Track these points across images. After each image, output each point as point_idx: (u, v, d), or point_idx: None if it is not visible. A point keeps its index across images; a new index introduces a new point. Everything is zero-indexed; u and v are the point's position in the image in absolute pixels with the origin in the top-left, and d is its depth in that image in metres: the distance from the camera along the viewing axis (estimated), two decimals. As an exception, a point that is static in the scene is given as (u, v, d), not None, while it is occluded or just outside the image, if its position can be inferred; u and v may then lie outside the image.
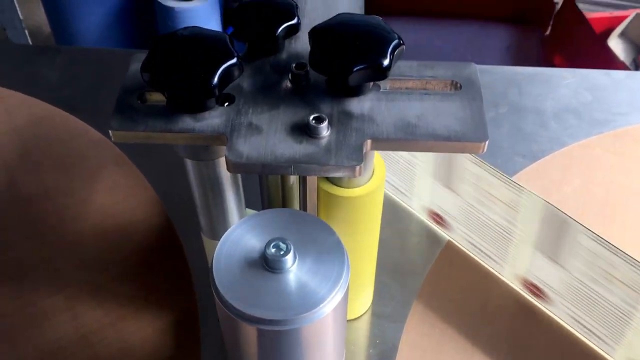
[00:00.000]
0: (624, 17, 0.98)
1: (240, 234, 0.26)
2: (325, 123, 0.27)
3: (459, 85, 0.29)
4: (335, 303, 0.25)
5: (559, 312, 0.38)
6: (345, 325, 0.29)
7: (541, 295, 0.38)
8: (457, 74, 0.29)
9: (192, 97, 0.27)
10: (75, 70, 0.55)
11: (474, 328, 0.38)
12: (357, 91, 0.28)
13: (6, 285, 0.40)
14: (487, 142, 0.27)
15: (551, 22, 1.00)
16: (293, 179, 0.33)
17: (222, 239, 0.26)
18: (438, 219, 0.42)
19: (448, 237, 0.42)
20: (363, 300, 0.39)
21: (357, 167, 0.26)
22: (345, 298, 0.26)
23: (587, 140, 0.49)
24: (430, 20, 1.02)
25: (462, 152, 0.28)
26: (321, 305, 0.24)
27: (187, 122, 0.27)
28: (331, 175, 0.26)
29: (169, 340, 0.37)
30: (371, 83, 0.29)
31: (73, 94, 0.52)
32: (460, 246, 0.42)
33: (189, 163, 0.30)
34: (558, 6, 1.00)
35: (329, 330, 0.26)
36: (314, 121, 0.27)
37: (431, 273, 0.41)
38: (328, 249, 0.26)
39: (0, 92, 0.52)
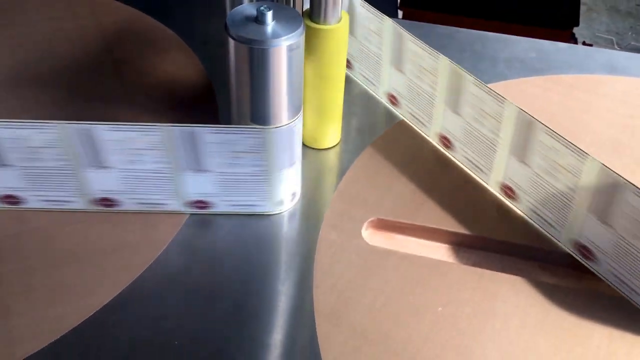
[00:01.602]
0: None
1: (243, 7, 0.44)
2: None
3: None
4: (294, 40, 0.42)
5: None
6: (301, 76, 0.45)
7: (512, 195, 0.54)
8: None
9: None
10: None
11: (403, 168, 0.54)
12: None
13: (101, 108, 0.59)
14: None
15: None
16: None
17: (232, 11, 0.43)
18: (393, 99, 0.59)
19: (401, 116, 0.59)
20: (333, 135, 0.55)
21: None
22: (300, 50, 0.43)
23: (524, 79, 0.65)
24: None
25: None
26: (287, 36, 0.42)
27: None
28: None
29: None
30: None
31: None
32: (408, 122, 0.58)
33: None
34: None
35: (293, 62, 0.43)
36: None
37: (384, 133, 0.57)
38: (292, 18, 0.43)
39: None
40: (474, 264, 0.48)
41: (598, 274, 0.46)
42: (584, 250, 0.46)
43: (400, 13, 1.43)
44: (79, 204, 0.48)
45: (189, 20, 0.71)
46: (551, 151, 0.45)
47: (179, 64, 0.64)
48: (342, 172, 0.54)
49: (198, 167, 0.45)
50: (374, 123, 0.58)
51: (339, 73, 0.52)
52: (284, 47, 0.42)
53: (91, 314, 0.42)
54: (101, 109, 0.58)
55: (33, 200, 0.48)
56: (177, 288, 0.44)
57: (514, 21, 1.29)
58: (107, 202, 0.48)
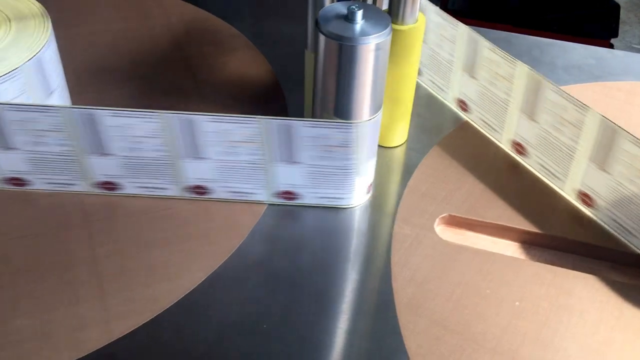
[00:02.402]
0: None
1: (334, 6, 0.45)
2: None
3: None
4: (382, 39, 0.44)
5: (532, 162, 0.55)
6: (384, 74, 0.46)
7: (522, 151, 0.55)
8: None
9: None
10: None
11: (472, 167, 0.55)
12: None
13: (177, 102, 0.61)
14: None
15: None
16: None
17: (323, 8, 0.45)
18: (463, 105, 0.60)
19: (471, 121, 0.60)
20: (401, 133, 0.57)
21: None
22: (386, 49, 0.45)
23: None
24: None
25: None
26: (376, 35, 0.43)
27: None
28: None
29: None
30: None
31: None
32: (478, 127, 0.59)
33: None
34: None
35: (379, 60, 0.44)
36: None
37: (451, 133, 0.58)
38: (380, 18, 0.45)
39: None
40: (546, 262, 0.49)
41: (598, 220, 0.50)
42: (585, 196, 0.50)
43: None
44: (173, 191, 0.50)
45: (254, 21, 0.73)
46: (636, 159, 0.46)
47: (247, 62, 0.66)
48: (409, 169, 0.55)
49: (291, 159, 0.47)
50: (439, 124, 0.60)
51: (412, 72, 0.53)
52: (372, 45, 0.44)
53: (182, 296, 0.44)
54: (177, 102, 0.60)
55: (130, 186, 0.50)
56: (260, 274, 0.46)
57: (554, 31, 1.31)
58: (200, 189, 0.49)
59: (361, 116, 0.47)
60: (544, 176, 0.54)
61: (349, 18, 0.44)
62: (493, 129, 0.57)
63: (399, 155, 0.57)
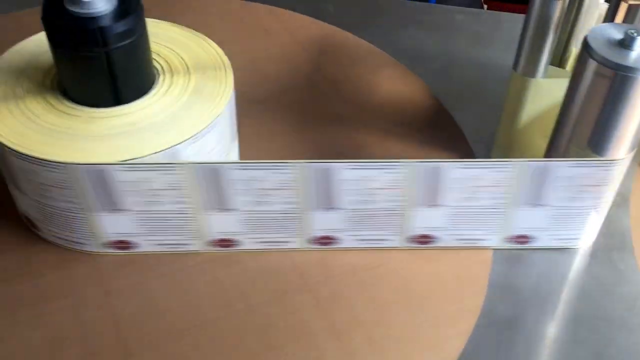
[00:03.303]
0: None
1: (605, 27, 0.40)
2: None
3: None
4: None
5: None
6: None
7: None
8: None
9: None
10: None
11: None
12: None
13: (325, 126, 0.55)
14: None
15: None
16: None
17: (592, 30, 0.40)
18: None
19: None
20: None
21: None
22: None
23: None
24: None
25: None
26: None
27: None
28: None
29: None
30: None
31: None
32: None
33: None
34: None
35: None
36: None
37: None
38: None
39: (280, 13, 0.68)
40: None
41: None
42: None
43: (484, 7, 1.40)
44: (394, 242, 0.44)
45: (381, 33, 0.67)
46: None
47: (396, 80, 0.60)
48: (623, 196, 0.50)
49: (537, 201, 0.42)
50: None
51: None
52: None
53: (452, 368, 0.39)
54: (339, 132, 0.54)
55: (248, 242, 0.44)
56: (524, 332, 0.41)
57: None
58: (425, 239, 0.44)
59: (618, 153, 0.42)
60: None
61: (626, 44, 0.39)
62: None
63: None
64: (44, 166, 0.38)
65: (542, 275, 0.44)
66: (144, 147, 0.39)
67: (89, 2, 0.39)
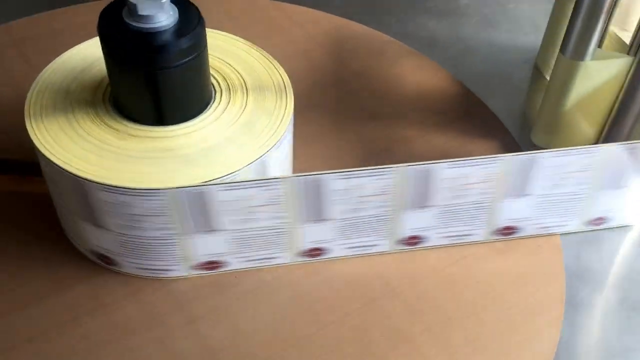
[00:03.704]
0: None
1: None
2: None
3: None
4: None
5: None
6: None
7: None
8: None
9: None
10: None
11: None
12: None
13: (365, 123, 0.54)
14: None
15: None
16: None
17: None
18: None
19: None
20: None
21: None
22: None
23: None
24: None
25: None
26: None
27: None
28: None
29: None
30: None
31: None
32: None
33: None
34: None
35: None
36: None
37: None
38: None
39: (285, 7, 0.66)
40: None
41: None
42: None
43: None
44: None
45: (389, 22, 0.66)
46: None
47: (420, 71, 0.59)
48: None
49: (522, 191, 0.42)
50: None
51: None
52: None
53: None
54: (379, 129, 0.53)
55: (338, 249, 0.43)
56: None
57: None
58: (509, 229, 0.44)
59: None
60: None
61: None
62: None
63: None
64: (142, 196, 0.36)
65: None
66: (232, 162, 0.38)
67: (149, 16, 0.37)
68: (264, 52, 0.46)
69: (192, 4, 0.39)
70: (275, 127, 0.40)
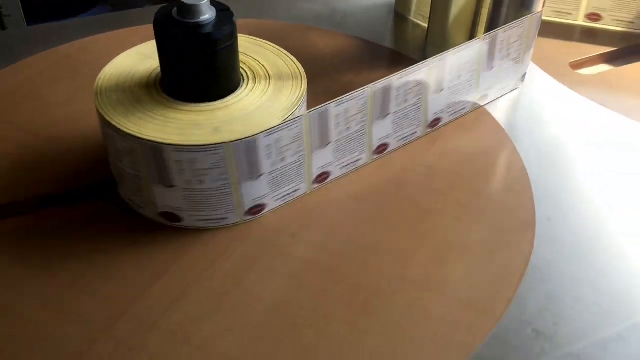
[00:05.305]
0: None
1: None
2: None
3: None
4: None
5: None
6: None
7: None
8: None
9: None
10: None
11: None
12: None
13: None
14: None
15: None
16: None
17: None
18: None
19: None
20: None
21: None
22: None
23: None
24: None
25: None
26: None
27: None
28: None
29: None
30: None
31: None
32: None
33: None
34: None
35: None
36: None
37: None
38: None
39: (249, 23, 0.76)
40: None
41: None
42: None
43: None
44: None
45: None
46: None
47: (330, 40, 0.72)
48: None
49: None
50: None
51: None
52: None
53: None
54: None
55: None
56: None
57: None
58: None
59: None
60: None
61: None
62: None
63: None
64: (206, 151, 0.46)
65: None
66: (264, 123, 0.48)
67: (196, 12, 0.47)
68: (284, 50, 0.57)
69: (224, 4, 0.50)
70: (293, 99, 0.51)
